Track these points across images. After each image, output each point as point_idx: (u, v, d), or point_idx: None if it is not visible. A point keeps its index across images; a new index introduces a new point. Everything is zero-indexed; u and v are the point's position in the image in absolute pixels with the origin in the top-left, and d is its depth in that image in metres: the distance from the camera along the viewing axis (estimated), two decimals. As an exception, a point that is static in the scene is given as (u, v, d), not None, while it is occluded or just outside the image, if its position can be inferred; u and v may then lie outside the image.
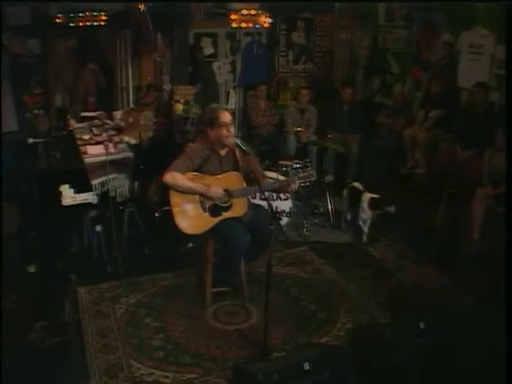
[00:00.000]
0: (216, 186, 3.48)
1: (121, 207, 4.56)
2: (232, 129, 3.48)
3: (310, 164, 5.41)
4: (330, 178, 6.61)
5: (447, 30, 6.42)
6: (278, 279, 4.15)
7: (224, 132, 3.43)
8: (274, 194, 4.82)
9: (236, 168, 3.57)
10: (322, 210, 5.50)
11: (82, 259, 4.28)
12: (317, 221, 5.37)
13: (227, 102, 7.35)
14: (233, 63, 7.29)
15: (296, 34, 7.75)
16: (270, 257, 3.13)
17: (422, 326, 3.01)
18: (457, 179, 5.26)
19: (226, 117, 3.46)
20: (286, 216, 5.07)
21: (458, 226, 4.99)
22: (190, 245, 4.53)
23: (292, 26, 7.68)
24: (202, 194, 3.46)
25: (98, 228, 4.25)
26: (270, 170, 5.26)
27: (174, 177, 3.40)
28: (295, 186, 3.53)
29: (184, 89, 5.42)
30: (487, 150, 5.01)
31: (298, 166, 5.29)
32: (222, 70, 7.11)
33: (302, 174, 3.57)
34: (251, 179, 3.49)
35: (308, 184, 3.62)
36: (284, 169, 5.27)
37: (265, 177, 3.72)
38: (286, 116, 6.78)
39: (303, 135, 6.48)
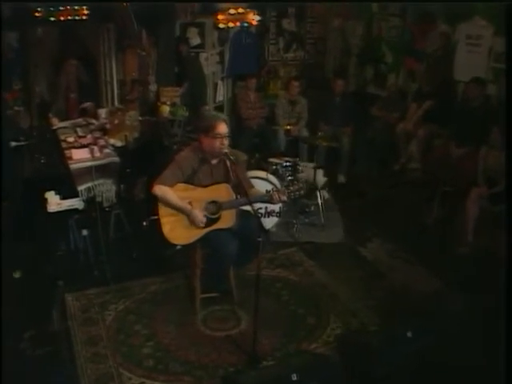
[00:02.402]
0: (206, 197, 3.64)
1: (107, 209, 4.72)
2: (226, 141, 3.60)
3: (299, 163, 5.61)
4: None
5: (444, 19, 6.54)
6: (267, 282, 4.32)
7: (217, 144, 3.57)
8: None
9: (227, 178, 3.73)
10: (312, 208, 5.67)
11: (69, 265, 4.43)
12: (307, 220, 5.55)
13: (215, 93, 7.49)
14: (221, 54, 7.40)
15: (287, 20, 7.86)
16: (259, 265, 3.28)
17: (409, 334, 3.23)
18: (451, 177, 5.45)
19: (223, 128, 3.58)
20: (276, 216, 5.22)
21: (452, 225, 5.19)
22: (178, 247, 4.69)
23: (282, 12, 7.78)
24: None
25: (85, 232, 4.42)
26: (259, 168, 5.45)
27: (162, 190, 3.57)
28: (284, 198, 3.68)
29: (170, 90, 5.54)
30: (482, 147, 5.09)
31: (288, 164, 5.48)
32: (209, 61, 7.21)
33: (292, 188, 3.72)
34: (240, 190, 3.65)
35: (298, 196, 3.79)
36: (274, 167, 5.44)
37: (252, 187, 3.88)
38: (277, 108, 6.92)
39: (294, 128, 6.66)
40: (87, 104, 5.22)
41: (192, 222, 3.62)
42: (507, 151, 3.75)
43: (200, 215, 3.60)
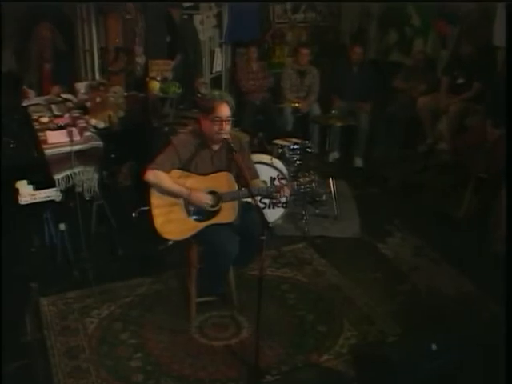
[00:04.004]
0: (204, 187, 3.68)
1: (88, 198, 4.75)
2: (227, 126, 3.62)
3: (309, 145, 5.64)
4: (334, 155, 6.84)
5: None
6: (272, 284, 4.40)
7: (216, 128, 3.60)
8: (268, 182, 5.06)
9: (229, 166, 3.76)
10: (323, 197, 5.71)
11: (44, 264, 4.48)
12: (318, 211, 5.61)
13: (212, 62, 7.49)
14: (218, 16, 7.39)
15: (295, -25, 7.82)
16: (262, 265, 3.30)
17: (434, 346, 3.28)
18: (486, 162, 5.46)
19: (224, 111, 3.59)
20: (282, 206, 5.27)
21: (486, 217, 5.22)
22: (171, 242, 4.75)
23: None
24: (184, 199, 3.68)
25: (62, 227, 4.45)
26: (263, 151, 5.48)
27: (156, 176, 3.60)
28: (288, 192, 3.72)
29: (161, 63, 5.52)
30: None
31: (296, 146, 5.51)
32: (205, 25, 7.21)
33: (302, 179, 3.77)
34: (241, 180, 3.68)
35: (308, 190, 3.83)
36: (280, 150, 5.47)
37: (256, 177, 3.91)
38: (283, 80, 6.94)
39: (304, 103, 6.68)
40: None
41: (195, 204, 3.65)
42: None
43: (203, 195, 3.64)
